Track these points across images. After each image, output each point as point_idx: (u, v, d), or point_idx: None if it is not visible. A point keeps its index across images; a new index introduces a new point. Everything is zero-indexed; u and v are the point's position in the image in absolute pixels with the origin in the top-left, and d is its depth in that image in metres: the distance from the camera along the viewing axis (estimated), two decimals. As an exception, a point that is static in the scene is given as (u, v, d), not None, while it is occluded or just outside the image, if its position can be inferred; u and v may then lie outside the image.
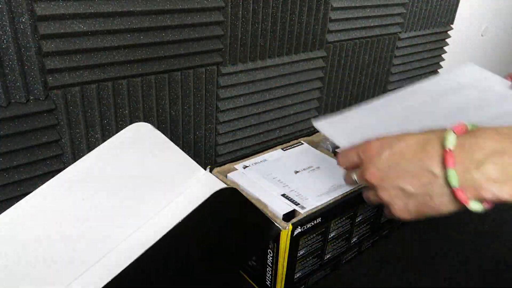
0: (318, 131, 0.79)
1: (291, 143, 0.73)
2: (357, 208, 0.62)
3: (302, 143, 0.73)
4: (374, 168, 0.40)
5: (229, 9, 0.72)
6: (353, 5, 0.93)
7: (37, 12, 0.54)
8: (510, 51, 1.88)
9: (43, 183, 0.49)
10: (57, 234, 0.49)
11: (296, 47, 0.87)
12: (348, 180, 0.46)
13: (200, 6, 0.68)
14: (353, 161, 0.43)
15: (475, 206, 0.35)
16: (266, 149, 0.71)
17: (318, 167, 0.67)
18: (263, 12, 0.77)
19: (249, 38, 0.78)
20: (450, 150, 0.34)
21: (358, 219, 0.64)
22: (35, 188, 0.48)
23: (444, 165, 0.35)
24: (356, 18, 0.96)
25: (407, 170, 0.37)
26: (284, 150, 0.71)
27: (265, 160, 0.68)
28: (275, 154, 0.70)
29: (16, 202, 0.47)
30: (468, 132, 0.35)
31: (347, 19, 0.94)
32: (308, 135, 0.78)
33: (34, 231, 0.48)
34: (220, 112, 0.80)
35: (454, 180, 0.34)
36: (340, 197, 0.59)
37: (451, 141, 0.34)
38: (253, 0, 0.75)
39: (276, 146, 0.73)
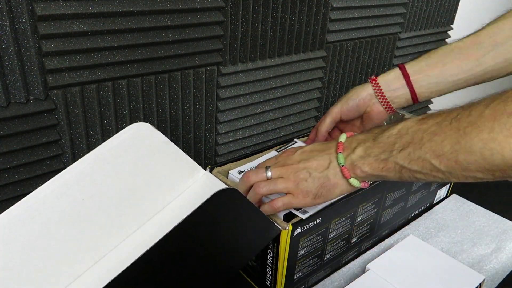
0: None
1: (286, 144, 0.73)
2: (357, 208, 0.62)
3: (296, 141, 0.73)
4: (288, 159, 0.53)
5: (229, 9, 0.72)
6: (353, 5, 0.93)
7: (37, 12, 0.54)
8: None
9: (43, 183, 0.49)
10: (56, 234, 0.49)
11: (296, 47, 0.87)
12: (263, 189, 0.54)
13: (200, 6, 0.68)
14: (266, 165, 0.54)
15: (354, 182, 0.49)
16: (261, 151, 0.71)
17: None
18: (263, 12, 0.77)
19: (249, 38, 0.78)
20: (341, 142, 0.51)
21: (358, 219, 0.64)
22: (35, 188, 0.48)
23: (336, 152, 0.50)
24: (356, 18, 0.96)
25: (314, 159, 0.51)
26: (279, 152, 0.70)
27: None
28: (270, 156, 0.69)
29: (16, 202, 0.47)
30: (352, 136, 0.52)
31: (347, 19, 0.94)
32: (308, 135, 0.78)
33: (34, 231, 0.48)
34: (220, 112, 0.80)
35: (341, 160, 0.49)
36: (340, 197, 0.59)
37: (343, 137, 0.51)
38: (253, 0, 0.75)
39: (275, 146, 0.73)
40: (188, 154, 0.60)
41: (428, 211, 0.81)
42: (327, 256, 0.63)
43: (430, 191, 0.79)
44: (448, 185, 0.84)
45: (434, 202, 0.83)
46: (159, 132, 0.56)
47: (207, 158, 0.83)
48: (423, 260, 0.63)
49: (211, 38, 0.72)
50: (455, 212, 0.81)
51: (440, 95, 0.63)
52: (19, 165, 0.59)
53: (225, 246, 0.52)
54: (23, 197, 0.48)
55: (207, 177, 0.61)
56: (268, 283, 0.59)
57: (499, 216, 0.80)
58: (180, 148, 0.59)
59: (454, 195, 0.87)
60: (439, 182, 0.45)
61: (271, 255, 0.56)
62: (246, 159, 0.68)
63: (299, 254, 0.57)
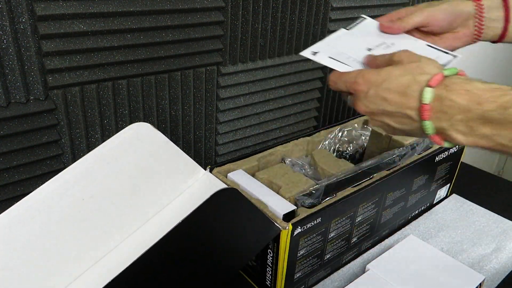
0: (318, 131, 0.79)
1: (353, 21, 0.64)
2: (357, 208, 0.62)
3: (365, 18, 0.63)
4: (362, 104, 0.46)
5: (229, 9, 0.72)
6: (353, 5, 0.93)
7: (37, 12, 0.54)
8: (509, 50, 1.87)
9: (43, 183, 0.49)
10: (57, 234, 0.49)
11: (296, 47, 0.87)
12: (344, 96, 0.51)
13: (200, 6, 0.68)
14: (342, 90, 0.48)
15: (448, 145, 0.42)
16: (261, 151, 0.71)
17: (393, 43, 0.58)
18: (263, 12, 0.77)
19: (249, 38, 0.78)
20: (426, 104, 0.40)
21: (358, 219, 0.64)
22: (35, 188, 0.48)
23: (420, 116, 0.41)
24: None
25: (391, 112, 0.43)
26: (348, 29, 0.63)
27: (331, 42, 0.60)
28: (340, 34, 0.62)
29: (16, 202, 0.47)
30: (443, 84, 0.40)
31: (347, 19, 0.94)
32: (309, 135, 0.78)
33: (34, 231, 0.48)
34: (220, 112, 0.80)
35: (430, 130, 0.41)
36: (340, 197, 0.59)
37: (427, 97, 0.40)
38: (253, 0, 0.75)
39: (275, 146, 0.72)
40: (188, 154, 0.60)
41: (428, 211, 0.81)
42: (327, 256, 0.63)
43: (430, 191, 0.79)
44: (448, 185, 0.84)
45: (434, 202, 0.83)
46: (159, 132, 0.56)
47: (207, 158, 0.83)
48: (423, 260, 0.63)
49: (211, 38, 0.72)
50: (455, 212, 0.81)
51: None
52: (19, 165, 0.59)
53: (225, 246, 0.52)
54: (23, 197, 0.48)
55: (207, 177, 0.61)
56: (268, 283, 0.59)
57: (499, 216, 0.80)
58: (180, 148, 0.59)
59: (454, 195, 0.87)
60: None
61: (271, 255, 0.56)
62: (246, 159, 0.68)
63: (299, 254, 0.57)
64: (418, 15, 0.56)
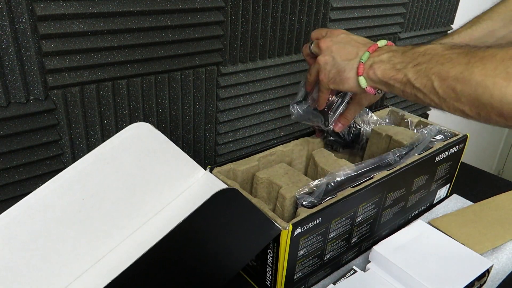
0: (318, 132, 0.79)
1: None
2: (357, 208, 0.62)
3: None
4: (329, 39, 0.60)
5: (229, 9, 0.72)
6: (353, 5, 0.93)
7: (37, 12, 0.54)
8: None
9: (43, 183, 0.49)
10: (57, 234, 0.49)
11: (296, 47, 0.87)
12: (305, 49, 0.65)
13: (200, 6, 0.68)
14: (321, 34, 0.63)
15: (362, 81, 0.55)
16: (262, 151, 0.71)
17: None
18: (263, 12, 0.77)
19: (249, 38, 0.78)
20: (377, 44, 0.56)
21: (358, 219, 0.64)
22: (35, 188, 0.48)
23: (367, 50, 0.55)
24: (356, 18, 0.96)
25: (345, 48, 0.58)
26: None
27: None
28: None
29: (16, 202, 0.47)
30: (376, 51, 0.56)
31: (347, 19, 0.94)
32: (309, 135, 0.78)
33: (34, 231, 0.48)
34: (220, 112, 0.80)
35: (365, 57, 0.55)
36: (340, 197, 0.59)
37: (382, 42, 0.57)
38: (253, 0, 0.75)
39: (275, 146, 0.72)
40: (188, 154, 0.60)
41: (428, 211, 0.81)
42: (327, 256, 0.63)
43: (430, 191, 0.79)
44: (448, 185, 0.84)
45: (434, 202, 0.83)
46: (159, 132, 0.56)
47: (207, 158, 0.83)
48: (430, 244, 0.63)
49: (211, 38, 0.72)
50: (455, 212, 0.81)
51: None
52: (19, 165, 0.59)
53: (225, 246, 0.52)
54: (23, 197, 0.48)
55: (207, 177, 0.61)
56: (268, 283, 0.59)
57: (499, 216, 0.80)
58: (180, 148, 0.59)
59: (454, 195, 0.87)
60: (431, 106, 0.52)
61: (271, 255, 0.56)
62: (246, 159, 0.68)
63: (299, 254, 0.57)
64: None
